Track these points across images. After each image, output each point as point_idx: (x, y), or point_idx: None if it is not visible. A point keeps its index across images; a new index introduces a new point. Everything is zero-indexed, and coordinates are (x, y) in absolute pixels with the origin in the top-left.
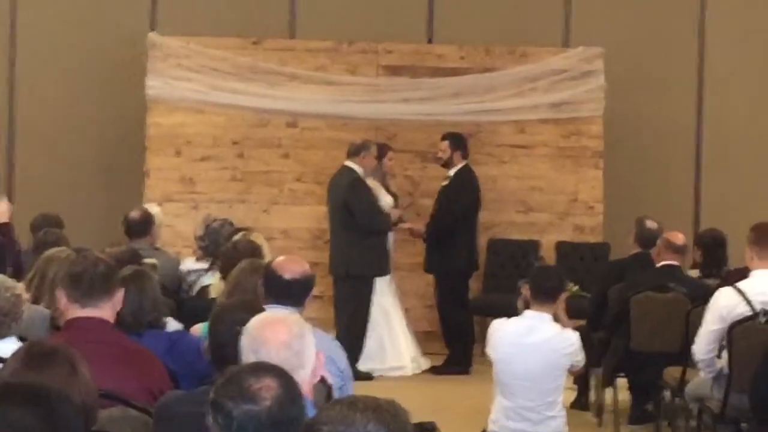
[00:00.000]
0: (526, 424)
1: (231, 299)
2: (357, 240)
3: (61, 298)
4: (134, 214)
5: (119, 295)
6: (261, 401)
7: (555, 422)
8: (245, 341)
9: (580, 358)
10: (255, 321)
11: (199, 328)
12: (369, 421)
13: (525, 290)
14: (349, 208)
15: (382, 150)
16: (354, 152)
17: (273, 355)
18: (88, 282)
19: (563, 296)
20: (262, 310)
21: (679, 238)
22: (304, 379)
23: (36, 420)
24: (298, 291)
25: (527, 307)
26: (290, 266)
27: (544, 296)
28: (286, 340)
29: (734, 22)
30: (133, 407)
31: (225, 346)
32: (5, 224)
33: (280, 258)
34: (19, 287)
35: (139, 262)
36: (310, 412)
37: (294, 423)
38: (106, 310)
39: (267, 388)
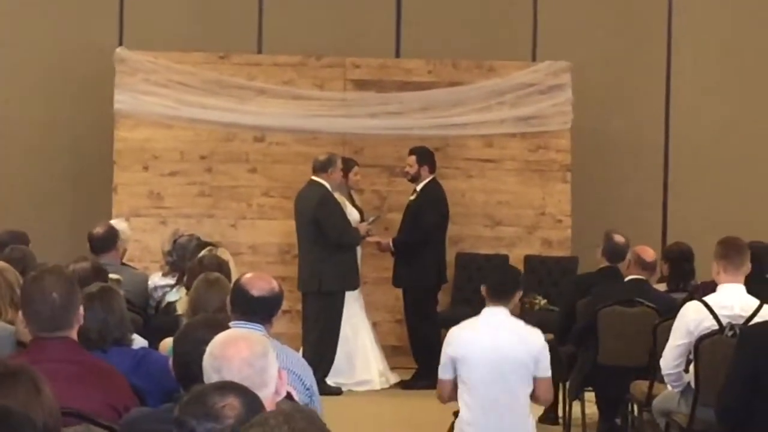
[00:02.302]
0: (493, 420)
1: (195, 317)
2: (328, 255)
3: (24, 323)
4: (98, 229)
5: (80, 312)
6: (224, 420)
7: (525, 424)
8: (207, 360)
9: (544, 364)
10: (217, 339)
11: (168, 344)
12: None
13: (483, 290)
14: (320, 224)
15: (348, 164)
16: (321, 167)
17: (235, 373)
18: (48, 317)
19: (518, 295)
20: (227, 327)
21: (649, 254)
22: (267, 397)
23: None
24: (266, 308)
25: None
26: (258, 283)
27: (496, 294)
28: (247, 358)
29: (702, 35)
30: (97, 425)
31: (190, 364)
32: None
33: (249, 274)
34: None
35: (105, 278)
36: None
37: None
38: (69, 331)
39: (230, 407)
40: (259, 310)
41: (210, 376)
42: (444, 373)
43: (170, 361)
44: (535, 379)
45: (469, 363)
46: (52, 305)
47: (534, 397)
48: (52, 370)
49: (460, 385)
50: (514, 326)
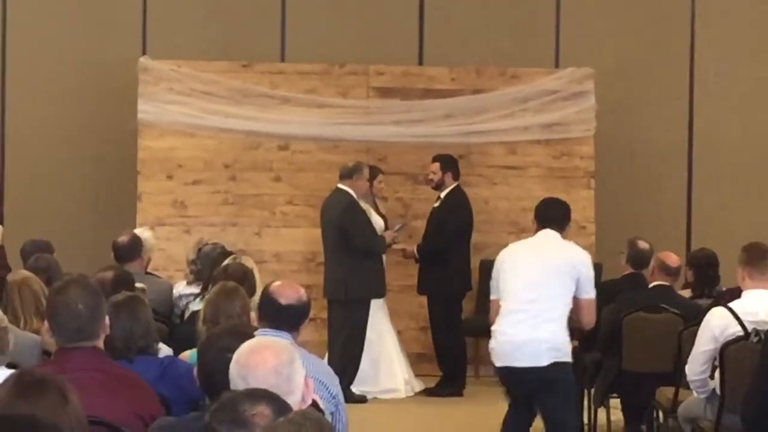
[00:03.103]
0: (524, 327)
1: (219, 326)
2: (354, 263)
3: (50, 333)
4: (122, 238)
5: (106, 323)
6: (254, 427)
7: (556, 334)
8: (234, 368)
9: (587, 284)
10: (243, 348)
11: (188, 355)
12: None
13: (532, 222)
14: (346, 231)
15: (372, 172)
16: (347, 175)
17: (261, 381)
18: (74, 328)
19: (568, 225)
20: (251, 335)
21: (673, 259)
22: (293, 405)
23: None
24: (294, 316)
25: None
26: (287, 291)
27: (547, 219)
28: (274, 366)
29: (725, 41)
30: None
31: (215, 373)
32: None
33: (277, 283)
34: (3, 318)
35: (131, 287)
36: None
37: None
38: (95, 341)
39: (260, 415)
40: (287, 318)
41: (236, 384)
42: (493, 293)
43: (194, 370)
44: (578, 300)
45: (516, 265)
46: (78, 317)
47: (577, 318)
48: (79, 379)
49: (502, 299)
50: (564, 243)
